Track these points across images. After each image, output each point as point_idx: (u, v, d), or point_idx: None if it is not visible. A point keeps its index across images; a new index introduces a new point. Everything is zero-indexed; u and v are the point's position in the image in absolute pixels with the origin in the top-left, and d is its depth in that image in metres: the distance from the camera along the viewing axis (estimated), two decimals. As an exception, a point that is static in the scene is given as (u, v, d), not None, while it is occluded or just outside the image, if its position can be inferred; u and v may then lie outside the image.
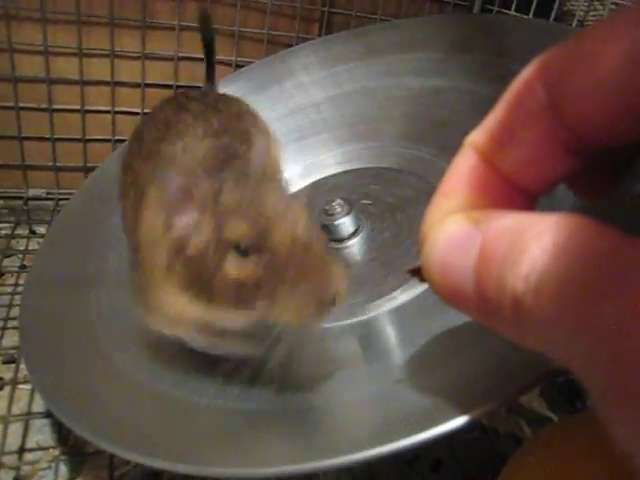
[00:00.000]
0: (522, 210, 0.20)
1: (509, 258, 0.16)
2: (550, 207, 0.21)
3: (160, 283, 0.32)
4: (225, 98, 0.47)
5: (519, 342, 0.17)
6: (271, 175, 0.33)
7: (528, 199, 0.21)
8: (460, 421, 0.25)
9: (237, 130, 0.42)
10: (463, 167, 0.21)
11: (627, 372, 0.13)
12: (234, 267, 0.30)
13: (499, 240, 0.17)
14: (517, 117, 0.20)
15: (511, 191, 0.21)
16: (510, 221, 0.17)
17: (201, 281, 0.31)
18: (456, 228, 0.19)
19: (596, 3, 0.63)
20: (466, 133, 0.22)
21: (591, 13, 0.64)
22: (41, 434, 0.45)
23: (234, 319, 0.32)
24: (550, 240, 0.15)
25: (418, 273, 0.22)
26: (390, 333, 0.41)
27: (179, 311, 0.32)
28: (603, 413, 0.14)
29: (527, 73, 0.20)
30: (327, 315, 0.30)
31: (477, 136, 0.21)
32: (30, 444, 0.44)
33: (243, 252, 0.29)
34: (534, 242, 0.16)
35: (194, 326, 0.33)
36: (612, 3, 0.61)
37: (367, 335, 0.41)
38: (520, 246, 0.16)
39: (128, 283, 0.39)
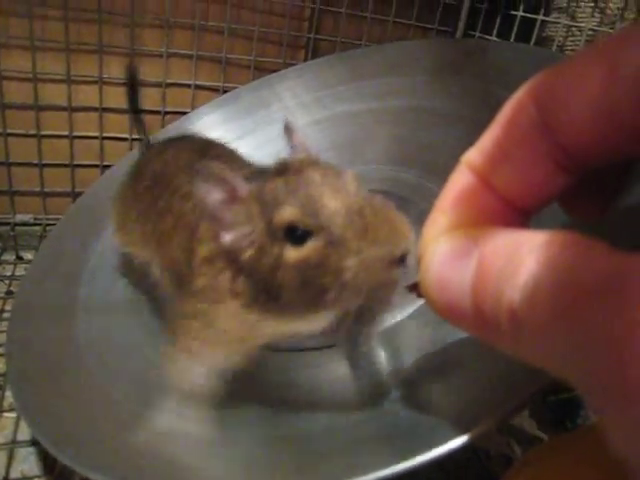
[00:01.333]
0: (516, 226, 0.21)
1: (505, 272, 0.17)
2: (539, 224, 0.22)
3: (222, 307, 0.31)
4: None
5: (516, 355, 0.18)
6: (313, 159, 0.30)
7: (522, 215, 0.22)
8: (456, 443, 0.25)
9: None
10: (459, 185, 0.22)
11: (618, 373, 0.13)
12: (293, 256, 0.27)
13: (495, 256, 0.18)
14: (511, 137, 0.20)
15: (505, 208, 0.21)
16: (506, 237, 0.18)
17: (266, 291, 0.29)
18: (453, 244, 0.20)
19: (574, 29, 0.65)
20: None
21: (570, 39, 0.65)
22: (26, 463, 0.44)
23: (310, 322, 0.30)
24: (545, 254, 0.16)
25: (416, 289, 0.23)
26: (383, 352, 0.41)
27: (249, 328, 0.31)
28: (601, 419, 0.14)
29: (520, 94, 0.20)
30: (403, 275, 0.26)
31: (472, 155, 0.22)
32: (15, 473, 0.43)
33: (299, 239, 0.27)
34: (530, 256, 0.16)
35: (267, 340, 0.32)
36: (590, 29, 0.63)
37: (361, 354, 0.41)
38: (516, 261, 0.16)
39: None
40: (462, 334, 0.34)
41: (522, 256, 0.16)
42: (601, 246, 0.15)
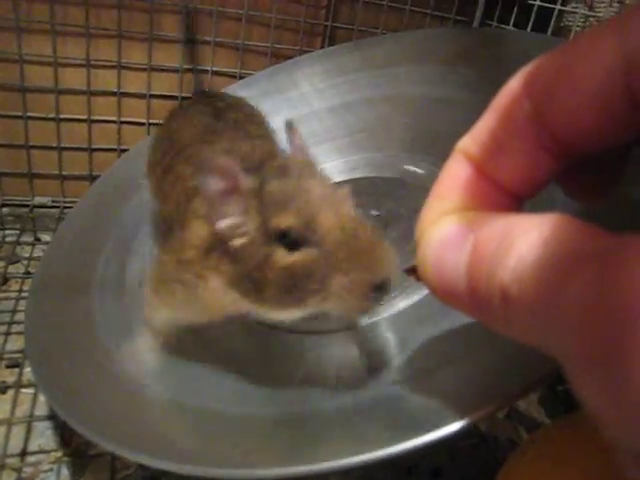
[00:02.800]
0: (511, 211, 0.21)
1: (498, 254, 0.17)
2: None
3: (208, 281, 0.33)
4: (253, 108, 0.49)
5: (510, 335, 0.18)
6: (312, 166, 0.32)
7: (516, 200, 0.22)
8: (458, 425, 0.25)
9: (271, 135, 0.44)
10: (454, 171, 0.22)
11: (594, 340, 0.14)
12: (283, 259, 0.29)
13: (489, 239, 0.18)
14: (504, 126, 0.21)
15: (499, 194, 0.22)
16: (500, 221, 0.18)
17: (249, 278, 0.30)
18: (450, 228, 0.20)
19: (592, 19, 0.65)
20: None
21: (587, 29, 0.65)
22: (43, 437, 0.45)
23: (285, 315, 0.32)
24: (536, 236, 0.16)
25: (414, 272, 0.23)
26: (390, 338, 0.41)
27: (226, 305, 0.33)
28: (579, 388, 0.15)
29: (513, 83, 0.21)
30: (381, 302, 0.29)
31: (467, 143, 0.22)
32: (32, 447, 0.44)
33: (292, 244, 0.29)
34: (521, 238, 0.17)
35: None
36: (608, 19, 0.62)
37: (367, 340, 0.42)
38: (508, 243, 0.17)
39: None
40: (468, 320, 0.34)
41: (514, 238, 0.17)
42: (592, 227, 0.16)
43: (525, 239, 0.16)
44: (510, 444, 0.49)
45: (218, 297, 0.33)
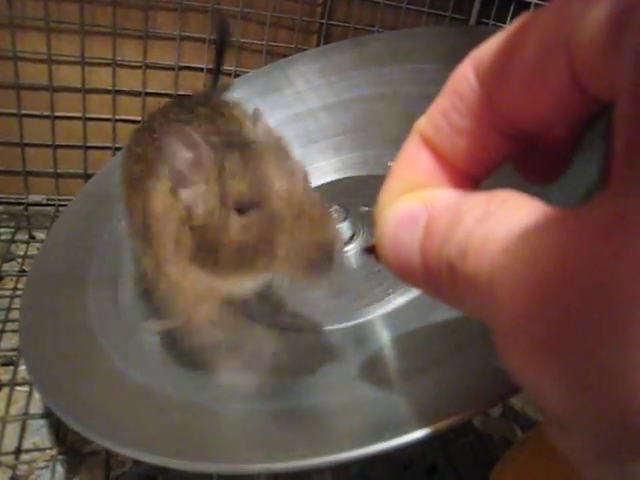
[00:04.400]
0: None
1: (448, 230, 0.18)
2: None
3: (171, 257, 0.34)
4: (228, 103, 0.49)
5: (461, 311, 0.19)
6: (276, 146, 0.34)
7: (471, 181, 0.22)
8: (445, 424, 0.25)
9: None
10: (411, 152, 0.23)
11: (523, 317, 0.14)
12: (234, 222, 0.31)
13: (440, 216, 0.19)
14: (456, 107, 0.21)
15: (454, 174, 0.22)
16: (451, 198, 0.19)
17: (207, 248, 0.32)
18: (405, 207, 0.21)
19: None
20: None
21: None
22: (38, 435, 0.45)
23: (240, 283, 0.34)
24: (481, 211, 0.17)
25: (373, 251, 0.24)
26: (384, 336, 0.41)
27: (190, 281, 0.34)
28: (507, 360, 0.15)
29: (464, 64, 0.21)
30: (327, 266, 0.31)
31: (422, 123, 0.22)
32: (27, 445, 0.44)
33: (244, 208, 0.31)
34: (468, 214, 0.17)
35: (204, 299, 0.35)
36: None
37: (362, 338, 0.42)
38: (457, 219, 0.18)
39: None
40: (458, 315, 0.35)
41: (462, 214, 0.17)
42: (537, 202, 0.16)
43: (472, 214, 0.17)
44: (505, 442, 0.49)
45: (189, 280, 0.34)
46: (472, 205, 0.18)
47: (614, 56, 0.16)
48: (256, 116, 0.37)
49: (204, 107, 0.45)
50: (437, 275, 0.18)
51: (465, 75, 0.21)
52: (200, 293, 0.35)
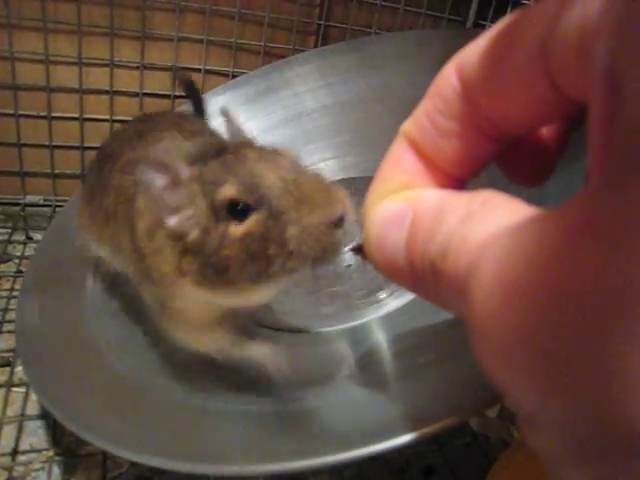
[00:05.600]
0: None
1: (432, 230, 0.18)
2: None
3: (175, 282, 0.32)
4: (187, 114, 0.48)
5: (444, 308, 0.19)
6: (249, 141, 0.32)
7: (456, 182, 0.23)
8: (440, 425, 0.25)
9: (208, 130, 0.43)
10: (397, 154, 0.23)
11: (503, 301, 0.14)
12: (236, 232, 0.29)
13: (425, 215, 0.19)
14: (439, 109, 0.21)
15: (439, 175, 0.22)
16: (435, 198, 0.19)
17: (215, 268, 0.29)
18: (391, 206, 0.21)
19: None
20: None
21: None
22: (35, 436, 0.45)
23: (261, 292, 0.31)
24: (463, 211, 0.17)
25: (360, 251, 0.24)
26: (380, 338, 0.42)
27: (197, 312, 0.32)
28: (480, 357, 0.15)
29: (447, 67, 0.21)
30: (344, 239, 0.27)
31: (408, 126, 0.23)
32: (24, 446, 0.44)
33: (241, 214, 0.28)
34: (451, 214, 0.18)
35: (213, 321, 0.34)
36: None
37: (358, 340, 0.42)
38: (440, 218, 0.18)
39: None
40: (453, 317, 0.35)
41: (445, 214, 0.18)
42: (519, 203, 0.16)
43: (454, 215, 0.17)
44: (502, 443, 0.49)
45: (191, 302, 0.32)
46: (455, 205, 0.18)
47: (586, 61, 0.16)
48: (226, 115, 0.35)
49: (166, 117, 0.44)
50: (421, 274, 0.19)
51: (448, 78, 0.21)
52: (206, 323, 0.34)
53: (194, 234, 0.30)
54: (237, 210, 0.29)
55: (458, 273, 0.16)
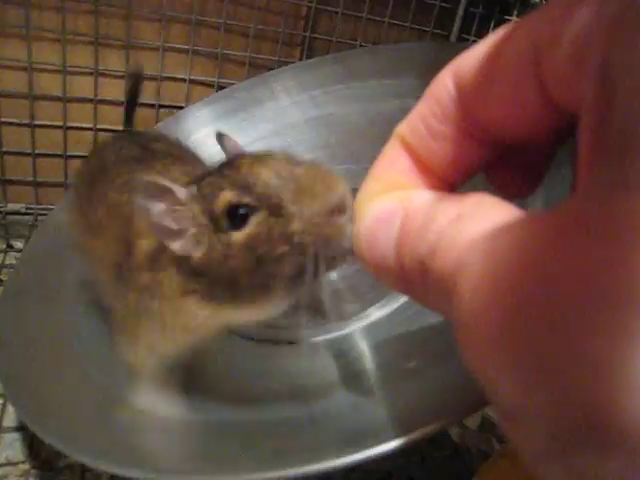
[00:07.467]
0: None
1: (421, 230, 0.18)
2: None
3: (179, 303, 0.31)
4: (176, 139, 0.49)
5: (431, 309, 0.19)
6: (242, 153, 0.32)
7: (447, 186, 0.23)
8: (421, 433, 0.26)
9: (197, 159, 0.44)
10: (390, 155, 0.23)
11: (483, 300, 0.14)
12: (239, 238, 0.28)
13: (416, 215, 0.19)
14: (433, 113, 0.22)
15: (431, 178, 0.23)
16: (427, 199, 0.20)
17: (221, 280, 0.29)
18: (382, 205, 0.21)
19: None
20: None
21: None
22: (11, 449, 0.44)
23: (272, 304, 0.30)
24: (454, 212, 0.18)
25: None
26: (364, 347, 0.42)
27: (200, 321, 0.31)
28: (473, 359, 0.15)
29: (444, 71, 0.22)
30: (348, 221, 0.26)
31: (402, 128, 0.23)
32: (0, 459, 0.43)
33: (242, 219, 0.28)
34: (441, 215, 0.18)
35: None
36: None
37: (343, 349, 0.42)
38: (430, 218, 0.18)
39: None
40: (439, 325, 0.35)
41: (436, 215, 0.18)
42: (509, 206, 0.17)
43: (445, 215, 0.18)
44: (482, 455, 0.49)
45: (187, 319, 0.32)
46: (446, 206, 0.18)
47: (579, 68, 0.16)
48: (220, 137, 0.35)
49: (161, 143, 0.45)
50: (410, 273, 0.19)
51: (444, 82, 0.21)
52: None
53: (199, 253, 0.29)
54: (238, 216, 0.28)
55: (446, 272, 0.17)
